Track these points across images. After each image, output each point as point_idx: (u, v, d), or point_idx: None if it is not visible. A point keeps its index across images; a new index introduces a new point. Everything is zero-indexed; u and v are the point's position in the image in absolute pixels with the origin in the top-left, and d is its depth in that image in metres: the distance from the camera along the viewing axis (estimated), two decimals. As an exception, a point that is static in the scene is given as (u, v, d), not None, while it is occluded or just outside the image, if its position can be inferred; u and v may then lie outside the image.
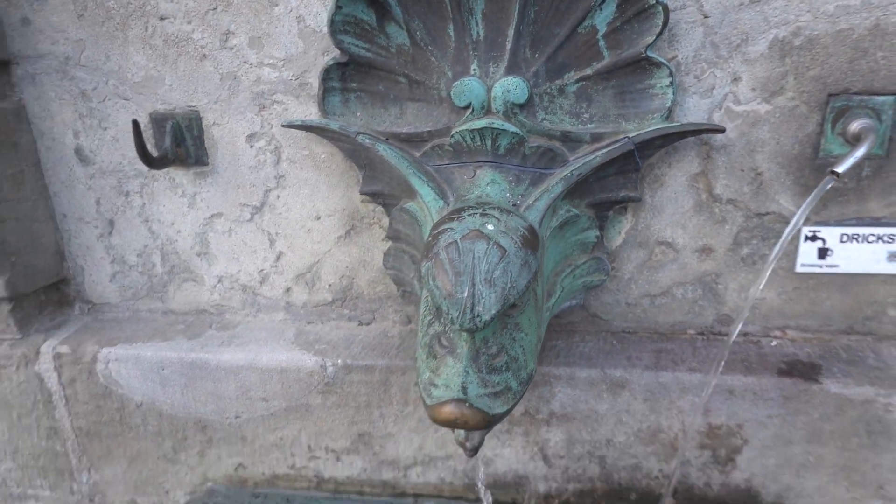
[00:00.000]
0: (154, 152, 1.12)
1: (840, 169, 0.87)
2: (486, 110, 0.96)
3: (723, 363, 0.99)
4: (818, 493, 1.05)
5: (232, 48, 1.08)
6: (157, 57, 1.11)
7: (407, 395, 1.12)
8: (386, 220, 1.12)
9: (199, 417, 1.22)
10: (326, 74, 1.01)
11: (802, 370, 1.02)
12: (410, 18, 0.95)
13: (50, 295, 1.31)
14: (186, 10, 1.07)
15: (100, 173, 1.22)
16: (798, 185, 1.00)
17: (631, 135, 0.95)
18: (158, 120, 1.14)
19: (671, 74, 0.93)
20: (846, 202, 1.01)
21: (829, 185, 0.90)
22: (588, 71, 0.95)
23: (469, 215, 0.84)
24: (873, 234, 1.01)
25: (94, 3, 1.10)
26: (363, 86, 1.03)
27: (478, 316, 0.74)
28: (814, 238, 1.03)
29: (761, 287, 0.96)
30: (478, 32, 0.94)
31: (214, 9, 1.06)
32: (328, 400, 1.15)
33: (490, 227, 0.81)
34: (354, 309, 1.23)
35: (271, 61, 1.07)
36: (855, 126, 0.94)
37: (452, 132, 0.96)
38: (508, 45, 0.94)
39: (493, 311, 0.75)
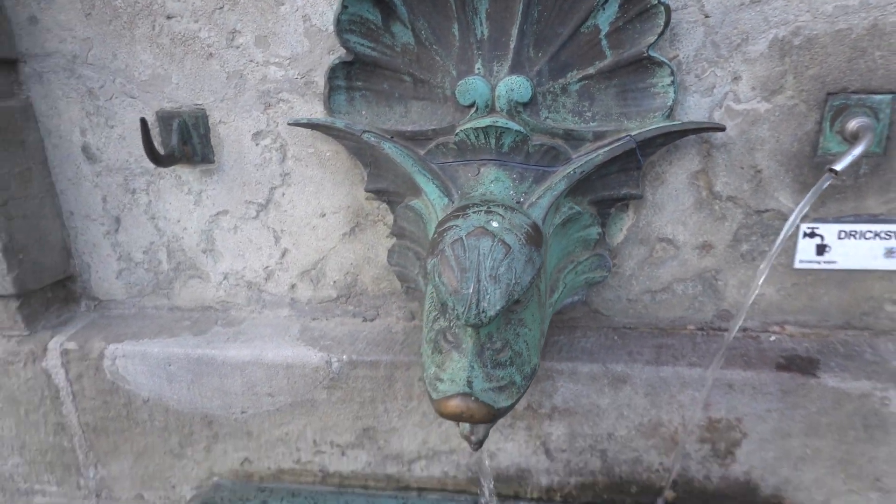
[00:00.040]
0: (161, 150, 1.13)
1: (838, 167, 0.89)
2: (490, 109, 0.97)
3: (722, 358, 1.01)
4: (816, 485, 1.07)
5: (238, 47, 1.09)
6: (163, 55, 1.12)
7: (411, 391, 1.14)
8: (390, 218, 1.14)
9: (205, 413, 1.23)
10: (332, 73, 1.03)
11: (800, 365, 1.04)
12: (415, 18, 0.97)
13: (56, 292, 1.32)
14: (193, 9, 1.08)
15: (106, 171, 1.23)
16: (797, 183, 1.02)
17: (633, 133, 0.96)
18: (165, 118, 1.15)
19: (672, 73, 0.95)
20: (844, 199, 1.02)
21: (828, 183, 0.92)
22: (591, 70, 0.96)
23: (474, 213, 0.85)
24: (870, 231, 1.03)
25: (101, 2, 1.11)
26: (368, 84, 1.04)
27: (483, 311, 0.75)
28: (812, 235, 1.05)
29: (760, 283, 0.98)
30: (482, 32, 0.95)
31: (221, 8, 1.07)
32: (333, 395, 1.17)
33: (495, 224, 0.82)
34: (359, 305, 1.24)
35: (277, 60, 1.09)
36: (853, 124, 0.96)
37: (457, 130, 0.98)
38: (512, 45, 0.95)
39: (498, 307, 0.76)
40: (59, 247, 1.28)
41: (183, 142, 1.15)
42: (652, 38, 0.93)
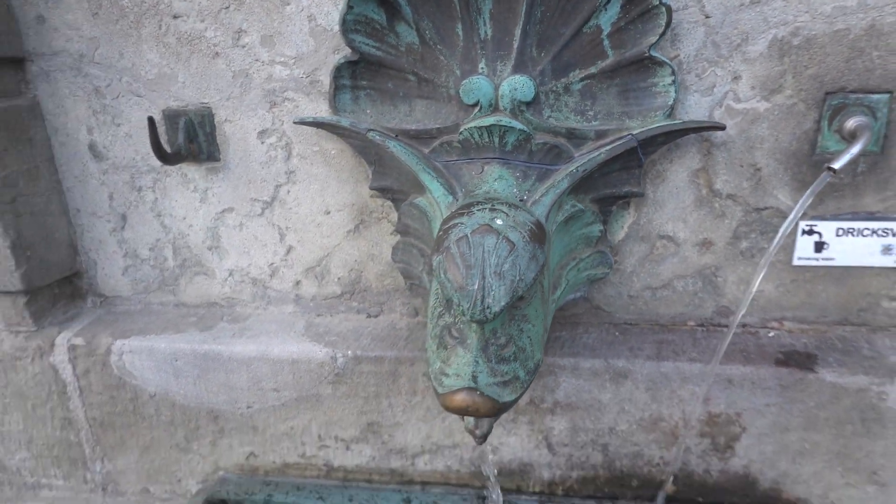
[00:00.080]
0: (167, 148, 1.14)
1: (836, 165, 0.90)
2: (494, 108, 0.99)
3: (722, 353, 1.03)
4: (814, 478, 1.09)
5: (244, 46, 1.10)
6: (170, 55, 1.13)
7: (415, 386, 1.15)
8: (394, 215, 1.15)
9: (211, 408, 1.25)
10: (337, 72, 1.04)
11: (799, 360, 1.06)
12: (420, 18, 0.98)
13: (63, 288, 1.33)
14: (199, 9, 1.09)
15: (113, 169, 1.24)
16: (796, 181, 1.03)
17: (634, 132, 0.97)
18: (171, 116, 1.16)
19: (673, 73, 0.96)
20: (842, 197, 1.04)
21: (826, 181, 0.93)
22: (593, 69, 0.98)
23: (478, 210, 0.86)
24: (868, 229, 1.04)
25: (108, 2, 1.12)
26: (373, 83, 1.05)
27: (488, 308, 0.77)
28: (811, 232, 1.06)
29: (760, 280, 0.99)
30: (486, 32, 0.97)
31: (227, 7, 1.08)
32: (338, 390, 1.18)
33: (499, 221, 0.84)
34: (363, 302, 1.26)
35: (283, 59, 1.10)
36: (851, 123, 0.97)
37: (461, 129, 0.99)
38: (515, 45, 0.96)
39: (503, 303, 0.77)
40: (65, 244, 1.30)
41: (189, 140, 1.16)
42: (653, 39, 0.94)
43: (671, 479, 1.13)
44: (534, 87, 0.97)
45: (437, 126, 1.02)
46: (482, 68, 0.98)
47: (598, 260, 1.08)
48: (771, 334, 1.13)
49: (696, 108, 1.02)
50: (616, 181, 1.03)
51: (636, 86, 0.98)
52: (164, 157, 1.09)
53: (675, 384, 1.08)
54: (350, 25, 0.99)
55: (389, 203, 1.15)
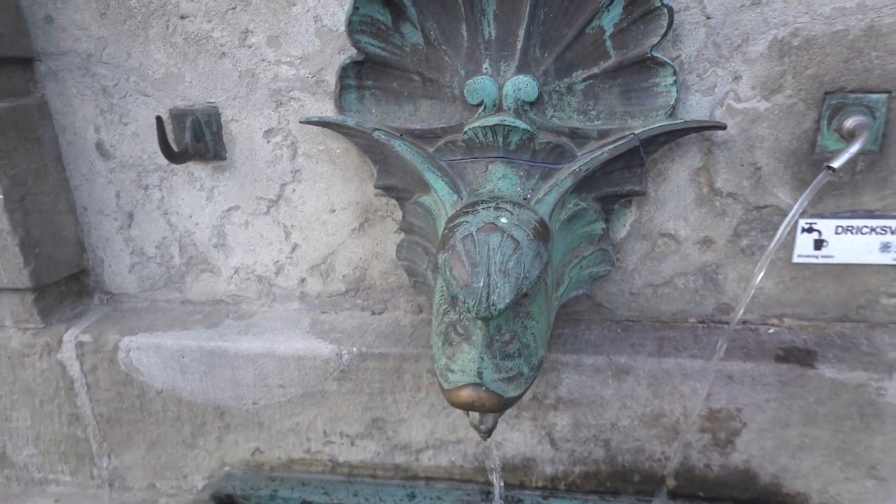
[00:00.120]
0: (174, 147, 1.16)
1: (836, 164, 0.92)
2: (498, 108, 1.00)
3: (723, 350, 1.04)
4: (813, 473, 1.10)
5: (250, 46, 1.12)
6: (177, 55, 1.15)
7: (419, 382, 1.17)
8: (398, 213, 1.16)
9: (217, 404, 1.26)
10: (343, 72, 1.05)
11: (799, 356, 1.07)
12: (425, 19, 0.99)
13: (70, 285, 1.35)
14: (206, 10, 1.11)
15: (120, 167, 1.25)
16: (795, 180, 1.04)
17: (636, 131, 0.99)
18: (178, 116, 1.17)
19: (675, 73, 0.97)
20: (841, 195, 1.05)
21: (825, 180, 0.94)
22: (595, 70, 0.99)
23: (483, 209, 0.87)
24: (867, 226, 1.05)
25: (116, 2, 1.13)
26: (378, 83, 1.06)
27: (493, 305, 0.78)
28: (810, 230, 1.07)
29: (760, 277, 1.01)
30: (490, 32, 0.98)
31: (234, 8, 1.10)
32: (343, 387, 1.20)
33: (504, 220, 0.85)
34: (367, 299, 1.27)
35: (289, 59, 1.11)
36: (850, 123, 0.98)
37: (465, 129, 1.00)
38: (519, 45, 0.98)
39: (508, 300, 0.78)
40: (72, 241, 1.31)
41: (196, 139, 1.17)
42: (655, 39, 0.95)
43: (673, 473, 1.15)
44: (537, 87, 0.99)
45: (442, 125, 1.04)
46: (486, 68, 1.00)
47: (600, 258, 1.09)
48: (771, 331, 1.14)
49: (697, 108, 1.03)
50: (618, 180, 1.05)
51: (638, 86, 1.00)
52: (172, 156, 1.11)
53: (676, 380, 1.09)
54: (356, 26, 1.00)
55: (394, 201, 1.16)
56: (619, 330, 1.18)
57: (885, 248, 1.06)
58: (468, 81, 1.00)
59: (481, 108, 1.00)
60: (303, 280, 1.28)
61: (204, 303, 1.34)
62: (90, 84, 1.20)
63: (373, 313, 1.28)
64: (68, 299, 1.34)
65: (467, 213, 0.87)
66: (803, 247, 1.08)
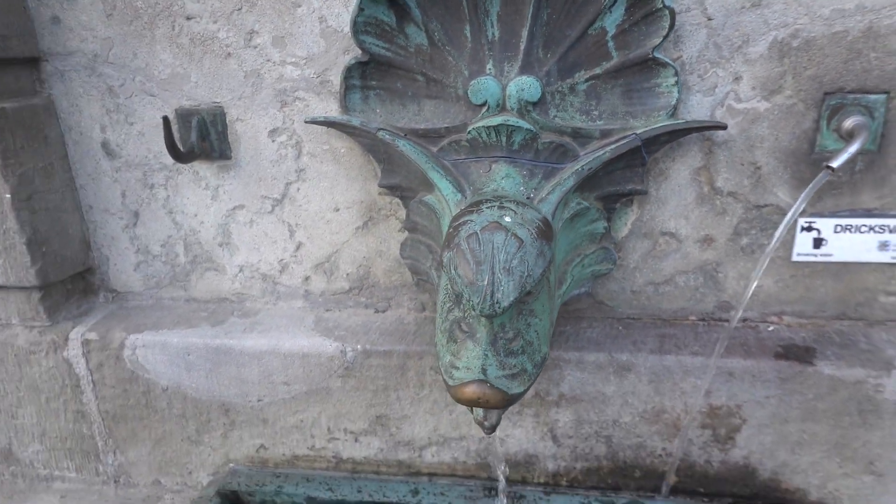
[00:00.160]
0: (180, 147, 1.17)
1: (835, 164, 0.93)
2: (501, 108, 1.01)
3: (723, 347, 1.05)
4: (812, 468, 1.11)
5: (256, 47, 1.13)
6: (183, 55, 1.16)
7: (423, 379, 1.18)
8: (402, 212, 1.17)
9: (222, 401, 1.27)
10: (348, 73, 1.06)
11: (798, 353, 1.08)
12: (429, 20, 1.00)
13: (76, 284, 1.36)
14: (212, 10, 1.12)
15: (125, 166, 1.26)
16: (795, 179, 1.06)
17: (638, 131, 1.00)
18: (184, 115, 1.18)
19: (676, 74, 0.98)
20: (840, 195, 1.06)
21: (825, 179, 0.96)
22: (598, 70, 1.00)
23: (487, 208, 0.89)
24: (865, 225, 1.07)
25: (122, 3, 1.14)
26: (383, 84, 1.08)
27: (497, 302, 0.79)
28: (809, 229, 1.09)
29: (760, 275, 1.02)
30: (493, 33, 0.99)
31: (239, 9, 1.11)
32: (347, 384, 1.21)
33: (508, 219, 0.86)
34: (371, 297, 1.28)
35: (294, 60, 1.12)
36: (849, 123, 0.99)
37: (469, 128, 1.01)
38: (522, 46, 0.99)
39: (512, 298, 0.80)
40: (78, 240, 1.32)
41: (201, 138, 1.18)
42: (657, 40, 0.96)
43: (673, 469, 1.16)
44: (540, 87, 1.00)
45: (446, 125, 1.05)
46: (490, 69, 1.01)
47: (602, 256, 1.11)
48: (770, 328, 1.15)
49: (698, 108, 1.04)
50: (620, 179, 1.06)
51: (640, 86, 1.01)
52: (178, 156, 1.12)
53: (677, 377, 1.10)
54: (360, 27, 1.01)
55: (398, 200, 1.17)
56: (620, 327, 1.19)
57: (883, 246, 1.07)
58: (472, 82, 1.01)
59: (485, 109, 1.01)
60: (307, 278, 1.29)
61: (209, 301, 1.35)
62: (96, 84, 1.21)
63: (376, 311, 1.29)
64: (74, 297, 1.36)
65: (472, 211, 0.88)
66: (802, 245, 1.09)
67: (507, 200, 0.91)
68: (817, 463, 1.11)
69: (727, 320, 1.16)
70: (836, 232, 1.08)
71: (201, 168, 1.24)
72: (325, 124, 1.12)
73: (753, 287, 1.03)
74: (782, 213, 1.07)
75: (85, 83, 1.21)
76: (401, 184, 1.12)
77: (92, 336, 1.27)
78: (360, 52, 1.04)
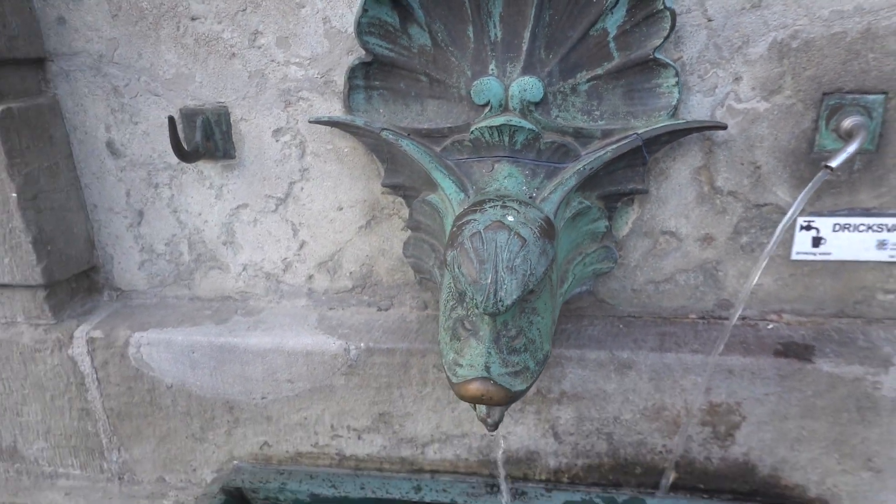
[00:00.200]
0: (185, 146, 1.17)
1: (833, 163, 0.94)
2: (504, 108, 1.02)
3: (723, 345, 1.06)
4: (811, 465, 1.13)
5: (260, 47, 1.14)
6: (187, 55, 1.16)
7: (426, 377, 1.19)
8: (405, 211, 1.18)
9: (226, 398, 1.28)
10: (352, 73, 1.07)
11: (797, 351, 1.09)
12: (432, 21, 1.01)
13: (80, 282, 1.37)
14: (217, 11, 1.12)
15: (130, 166, 1.27)
16: (794, 178, 1.07)
17: (639, 131, 1.01)
18: (188, 115, 1.19)
19: (677, 74, 0.99)
20: (839, 194, 1.07)
21: (824, 178, 0.97)
22: (599, 71, 1.01)
23: (490, 207, 0.89)
24: (863, 224, 1.08)
25: (127, 4, 1.15)
26: (386, 84, 1.09)
27: (500, 301, 0.80)
28: (808, 227, 1.10)
29: (759, 274, 1.03)
30: (496, 34, 1.00)
31: (244, 10, 1.12)
32: (351, 381, 1.22)
33: (510, 218, 0.87)
34: (374, 295, 1.29)
35: (298, 60, 1.13)
36: (847, 123, 1.00)
37: (472, 128, 1.02)
38: (524, 47, 1.00)
39: (515, 296, 0.80)
40: (83, 238, 1.33)
41: (206, 138, 1.19)
42: (658, 41, 0.97)
43: (674, 466, 1.17)
44: (542, 87, 1.01)
45: (449, 125, 1.06)
46: (492, 70, 1.02)
47: (603, 255, 1.12)
48: (770, 326, 1.16)
49: (698, 108, 1.05)
50: (621, 178, 1.07)
51: (641, 87, 1.02)
52: (183, 155, 1.13)
53: (677, 374, 1.11)
54: (364, 28, 1.02)
55: (400, 199, 1.18)
56: (621, 325, 1.20)
57: (882, 245, 1.08)
58: (475, 82, 1.02)
59: (487, 109, 1.02)
60: (310, 277, 1.30)
61: (213, 299, 1.36)
62: (101, 84, 1.22)
63: (379, 309, 1.30)
64: (79, 296, 1.37)
65: (475, 211, 0.89)
66: (802, 244, 1.10)
67: (510, 200, 0.92)
68: (816, 459, 1.12)
69: (727, 318, 1.17)
70: (834, 231, 1.09)
71: (205, 167, 1.24)
72: (328, 124, 1.13)
73: (753, 285, 1.04)
74: (782, 212, 1.09)
75: (90, 83, 1.22)
76: (404, 183, 1.13)
77: (97, 334, 1.28)
78: (363, 52, 1.05)
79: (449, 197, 1.01)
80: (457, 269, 0.83)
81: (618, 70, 1.00)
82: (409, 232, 1.17)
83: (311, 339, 1.22)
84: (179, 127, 1.20)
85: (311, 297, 1.32)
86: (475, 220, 0.87)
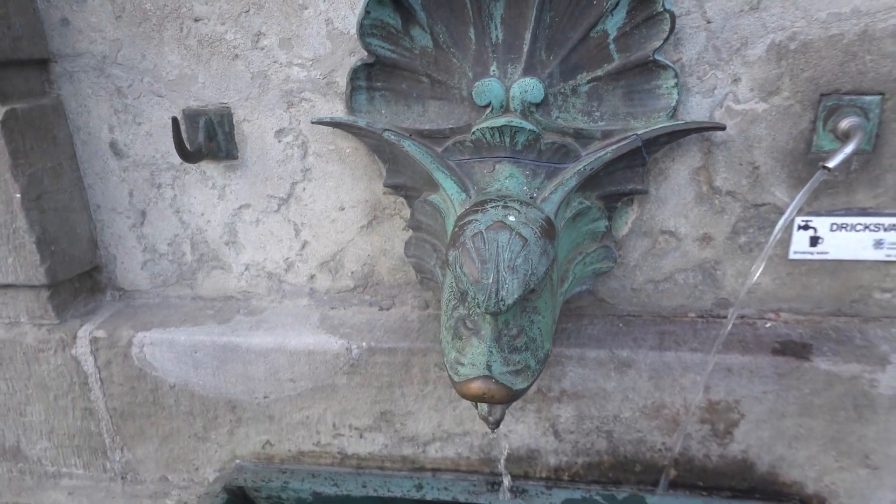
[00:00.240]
0: (188, 147, 1.18)
1: (831, 164, 0.95)
2: (505, 109, 1.03)
3: (721, 343, 1.07)
4: (809, 462, 1.14)
5: (263, 48, 1.14)
6: (191, 56, 1.17)
7: (427, 376, 1.20)
8: (406, 211, 1.19)
9: (229, 398, 1.29)
10: (354, 74, 1.08)
11: (795, 349, 1.10)
12: (434, 22, 1.02)
13: (83, 282, 1.38)
14: (220, 13, 1.13)
15: (133, 166, 1.28)
16: (792, 179, 1.08)
17: (639, 132, 1.02)
18: (191, 116, 1.20)
19: (676, 76, 1.00)
20: (836, 194, 1.08)
21: (821, 179, 0.98)
22: (599, 72, 1.02)
23: (492, 207, 0.90)
24: (860, 224, 1.09)
25: (131, 5, 1.16)
26: (388, 85, 1.09)
27: (502, 300, 0.81)
28: (806, 227, 1.11)
29: (758, 273, 1.04)
30: (497, 36, 1.01)
31: (247, 11, 1.12)
32: (352, 380, 1.23)
33: (512, 218, 0.88)
34: (375, 295, 1.30)
35: (300, 61, 1.14)
36: (845, 124, 1.01)
37: (473, 129, 1.03)
38: (525, 48, 1.01)
39: (516, 296, 0.81)
40: (86, 239, 1.34)
41: (208, 139, 1.20)
42: (657, 43, 0.98)
43: (673, 463, 1.18)
44: (543, 89, 1.02)
45: (450, 126, 1.07)
46: (494, 71, 1.03)
47: (603, 254, 1.13)
48: (768, 325, 1.18)
49: (697, 109, 1.06)
50: (621, 179, 1.08)
51: (640, 88, 1.03)
52: (186, 156, 1.13)
53: (676, 373, 1.12)
54: (367, 29, 1.03)
55: (402, 200, 1.19)
56: (620, 324, 1.21)
57: (878, 244, 1.09)
58: (476, 83, 1.03)
59: (489, 110, 1.03)
60: (312, 276, 1.31)
61: (215, 299, 1.37)
62: (105, 85, 1.23)
63: (381, 309, 1.31)
64: (82, 296, 1.37)
65: (476, 211, 0.90)
66: (799, 243, 1.12)
67: (511, 200, 0.92)
68: (814, 457, 1.13)
69: (725, 317, 1.18)
70: (832, 230, 1.10)
71: (208, 168, 1.25)
72: (331, 125, 1.13)
73: (751, 284, 1.05)
74: (780, 211, 1.10)
75: (93, 84, 1.23)
76: (405, 183, 1.14)
77: (100, 334, 1.29)
78: (365, 53, 1.06)
79: (450, 197, 1.02)
80: (459, 269, 0.84)
81: (618, 71, 1.01)
82: (411, 232, 1.18)
83: (313, 338, 1.22)
84: (183, 128, 1.21)
85: (313, 296, 1.32)
86: (477, 220, 0.88)
